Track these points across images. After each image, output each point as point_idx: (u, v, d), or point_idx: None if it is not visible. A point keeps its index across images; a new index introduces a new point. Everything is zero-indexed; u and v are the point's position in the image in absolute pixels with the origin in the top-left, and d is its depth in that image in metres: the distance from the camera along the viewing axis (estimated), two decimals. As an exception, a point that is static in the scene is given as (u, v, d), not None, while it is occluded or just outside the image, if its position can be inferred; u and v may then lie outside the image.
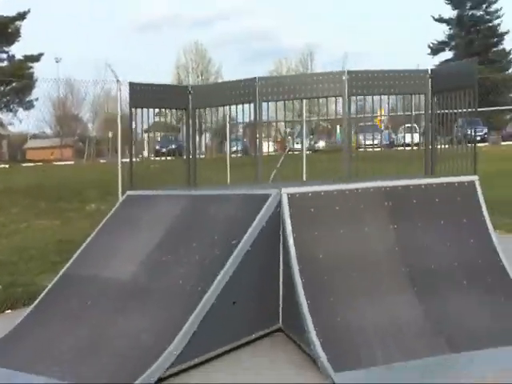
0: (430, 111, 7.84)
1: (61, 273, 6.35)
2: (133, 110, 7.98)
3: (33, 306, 6.07)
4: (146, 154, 9.79)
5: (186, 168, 8.59)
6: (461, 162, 7.07)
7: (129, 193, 7.37)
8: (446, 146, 7.93)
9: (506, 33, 57.52)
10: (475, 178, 6.41)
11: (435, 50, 59.12)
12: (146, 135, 9.97)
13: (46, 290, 6.20)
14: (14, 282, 8.20)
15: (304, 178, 12.04)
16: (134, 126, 8.11)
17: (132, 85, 8.02)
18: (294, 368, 5.07)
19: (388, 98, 8.65)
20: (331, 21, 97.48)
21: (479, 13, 58.52)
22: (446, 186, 6.30)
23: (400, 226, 5.92)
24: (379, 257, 5.70)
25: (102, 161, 43.37)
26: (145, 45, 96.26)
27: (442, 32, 59.35)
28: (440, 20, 59.18)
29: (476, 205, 6.19)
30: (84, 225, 11.67)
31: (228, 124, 12.08)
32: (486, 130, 35.88)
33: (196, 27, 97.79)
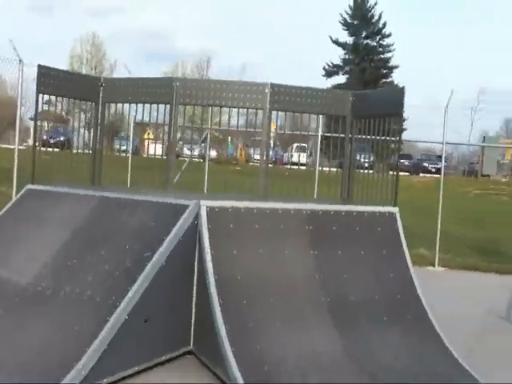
0: (350, 135, 7.74)
1: None
2: (40, 95, 7.28)
3: None
4: (30, 142, 9.12)
5: (90, 165, 8.03)
6: (380, 191, 6.94)
7: (29, 186, 6.77)
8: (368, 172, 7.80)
9: (396, 67, 59.77)
10: (396, 209, 6.30)
11: (329, 72, 60.23)
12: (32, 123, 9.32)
13: None
14: None
15: (205, 189, 11.69)
16: (38, 112, 7.47)
17: (41, 68, 7.29)
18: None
19: (309, 117, 8.51)
20: (230, 28, 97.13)
21: (373, 43, 60.42)
22: (366, 215, 6.15)
23: (320, 253, 5.69)
24: (299, 283, 5.44)
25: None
26: (36, 25, 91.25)
27: (337, 56, 60.70)
28: (336, 43, 60.42)
29: (396, 237, 6.08)
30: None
31: (132, 123, 11.59)
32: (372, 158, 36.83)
33: (90, 16, 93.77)
